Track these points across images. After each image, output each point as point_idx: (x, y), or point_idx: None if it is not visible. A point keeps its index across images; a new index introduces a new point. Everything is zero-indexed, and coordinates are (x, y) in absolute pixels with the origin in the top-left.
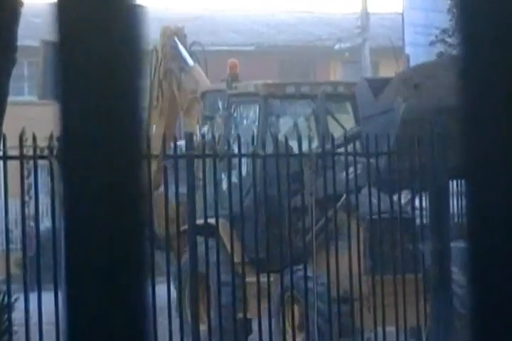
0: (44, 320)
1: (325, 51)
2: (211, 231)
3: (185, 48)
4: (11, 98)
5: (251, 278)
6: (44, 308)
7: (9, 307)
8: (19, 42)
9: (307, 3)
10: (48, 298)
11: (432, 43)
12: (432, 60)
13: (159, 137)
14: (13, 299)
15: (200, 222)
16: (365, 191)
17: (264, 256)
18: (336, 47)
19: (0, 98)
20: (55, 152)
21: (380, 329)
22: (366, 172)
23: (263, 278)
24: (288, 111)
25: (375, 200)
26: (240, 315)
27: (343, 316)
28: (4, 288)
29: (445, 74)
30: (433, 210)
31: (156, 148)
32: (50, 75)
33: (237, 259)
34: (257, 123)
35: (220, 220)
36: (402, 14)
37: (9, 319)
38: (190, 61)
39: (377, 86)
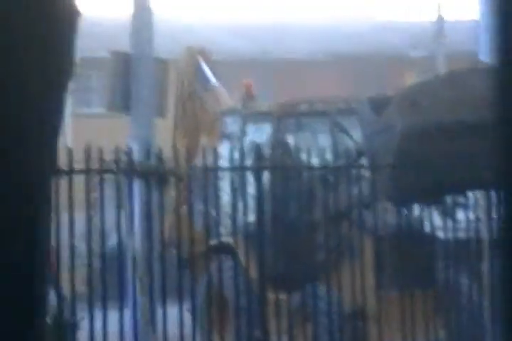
0: (109, 339)
1: (399, 59)
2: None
3: (210, 68)
4: (79, 110)
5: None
6: (109, 327)
7: (74, 327)
8: (88, 54)
9: (380, 11)
10: (113, 316)
11: None
12: (431, 77)
13: (183, 156)
14: (78, 318)
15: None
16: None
17: (280, 274)
18: (411, 54)
19: (56, 113)
20: (121, 165)
21: None
22: (372, 187)
23: (280, 296)
24: (302, 129)
25: (386, 215)
26: (258, 332)
27: (356, 332)
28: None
29: (442, 91)
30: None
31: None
32: (119, 86)
33: (254, 276)
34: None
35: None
36: (478, 20)
37: (73, 338)
38: (213, 81)
39: (381, 104)
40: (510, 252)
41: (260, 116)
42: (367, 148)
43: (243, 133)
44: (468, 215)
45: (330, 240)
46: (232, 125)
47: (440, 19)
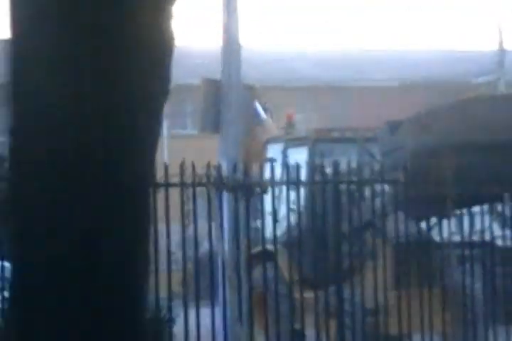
0: (202, 333)
1: (464, 85)
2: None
3: (260, 104)
4: (175, 132)
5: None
6: (202, 322)
7: (171, 322)
8: (183, 81)
9: (446, 40)
10: (205, 313)
11: None
12: (441, 105)
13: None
14: (174, 315)
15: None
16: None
17: (312, 276)
18: (475, 81)
19: (155, 129)
20: (212, 179)
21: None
22: (391, 199)
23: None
24: (334, 153)
25: (402, 225)
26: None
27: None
28: (165, 304)
29: (452, 116)
30: None
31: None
32: (210, 110)
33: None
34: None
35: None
36: None
37: (170, 332)
38: (263, 116)
39: (397, 126)
40: None
41: (299, 141)
42: (383, 164)
43: (285, 155)
44: None
45: (354, 247)
46: (275, 150)
47: (501, 48)
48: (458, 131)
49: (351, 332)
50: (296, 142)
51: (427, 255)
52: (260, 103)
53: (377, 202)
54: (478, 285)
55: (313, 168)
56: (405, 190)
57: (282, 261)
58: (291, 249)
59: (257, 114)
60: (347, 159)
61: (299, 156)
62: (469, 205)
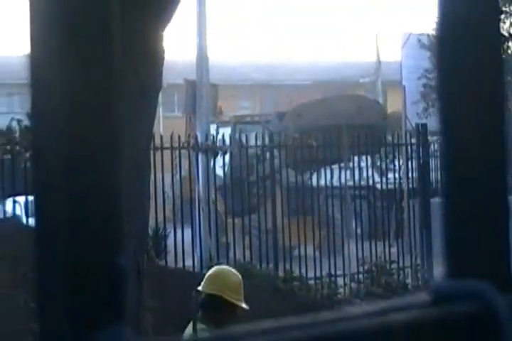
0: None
1: (351, 84)
2: None
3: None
4: (167, 114)
5: None
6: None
7: (165, 237)
8: (172, 81)
9: (337, 49)
10: (187, 231)
11: (419, 78)
12: (312, 101)
13: None
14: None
15: None
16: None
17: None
18: (360, 81)
19: (152, 111)
20: (191, 144)
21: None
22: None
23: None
24: (247, 130)
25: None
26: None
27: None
28: (162, 225)
29: (317, 108)
30: None
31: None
32: (190, 100)
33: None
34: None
35: None
36: (401, 61)
37: (165, 243)
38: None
39: (283, 115)
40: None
41: (226, 123)
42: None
43: (217, 132)
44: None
45: (260, 190)
46: (212, 128)
47: (378, 55)
48: (320, 118)
49: (259, 245)
50: (224, 123)
51: (307, 195)
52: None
53: (276, 161)
54: (338, 215)
55: (234, 139)
56: (293, 153)
57: (219, 202)
58: (225, 193)
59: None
60: (254, 134)
61: (226, 132)
62: (331, 163)
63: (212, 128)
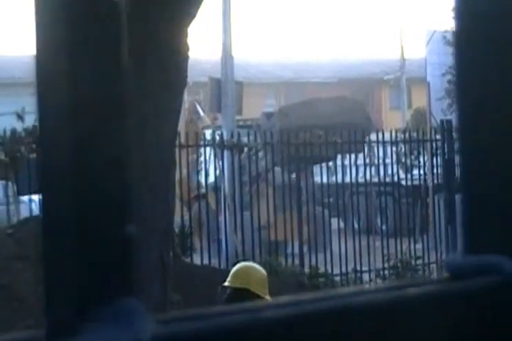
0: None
1: (377, 81)
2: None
3: (200, 106)
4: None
5: None
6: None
7: (191, 234)
8: (197, 79)
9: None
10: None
11: (443, 74)
12: (298, 102)
13: None
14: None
15: None
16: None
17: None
18: (385, 78)
19: (176, 108)
20: (217, 142)
21: None
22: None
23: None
24: (241, 133)
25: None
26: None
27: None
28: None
29: (301, 109)
30: None
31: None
32: (215, 98)
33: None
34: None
35: None
36: (425, 58)
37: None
38: (201, 113)
39: (271, 115)
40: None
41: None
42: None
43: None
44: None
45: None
46: (208, 132)
47: (402, 52)
48: (306, 118)
49: (251, 239)
50: (220, 128)
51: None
52: (200, 105)
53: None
54: (326, 211)
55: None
56: (280, 152)
57: (211, 197)
58: (216, 190)
59: (197, 113)
60: (247, 136)
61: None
62: (316, 162)
63: (208, 132)
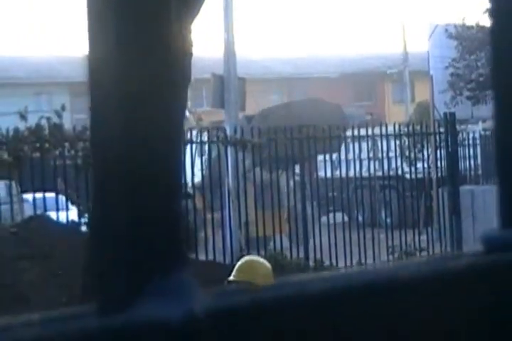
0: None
1: (380, 75)
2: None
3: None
4: (194, 108)
5: None
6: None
7: (196, 229)
8: (200, 76)
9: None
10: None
11: (446, 67)
12: (277, 105)
13: None
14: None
15: None
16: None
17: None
18: (387, 72)
19: (182, 105)
20: (220, 138)
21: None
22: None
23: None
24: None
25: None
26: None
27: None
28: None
29: (279, 111)
30: None
31: None
32: (218, 94)
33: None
34: None
35: None
36: (428, 51)
37: (195, 237)
38: (187, 114)
39: (251, 117)
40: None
41: (203, 128)
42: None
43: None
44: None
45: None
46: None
47: (405, 45)
48: (285, 120)
49: (230, 236)
50: (202, 128)
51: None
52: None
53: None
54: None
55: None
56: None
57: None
58: (203, 190)
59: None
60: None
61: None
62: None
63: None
